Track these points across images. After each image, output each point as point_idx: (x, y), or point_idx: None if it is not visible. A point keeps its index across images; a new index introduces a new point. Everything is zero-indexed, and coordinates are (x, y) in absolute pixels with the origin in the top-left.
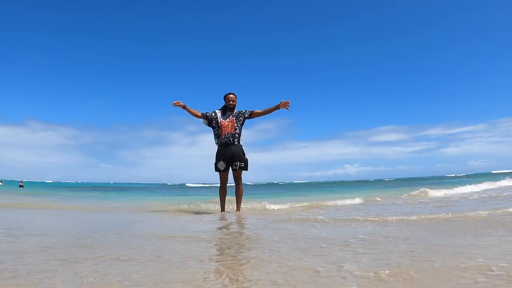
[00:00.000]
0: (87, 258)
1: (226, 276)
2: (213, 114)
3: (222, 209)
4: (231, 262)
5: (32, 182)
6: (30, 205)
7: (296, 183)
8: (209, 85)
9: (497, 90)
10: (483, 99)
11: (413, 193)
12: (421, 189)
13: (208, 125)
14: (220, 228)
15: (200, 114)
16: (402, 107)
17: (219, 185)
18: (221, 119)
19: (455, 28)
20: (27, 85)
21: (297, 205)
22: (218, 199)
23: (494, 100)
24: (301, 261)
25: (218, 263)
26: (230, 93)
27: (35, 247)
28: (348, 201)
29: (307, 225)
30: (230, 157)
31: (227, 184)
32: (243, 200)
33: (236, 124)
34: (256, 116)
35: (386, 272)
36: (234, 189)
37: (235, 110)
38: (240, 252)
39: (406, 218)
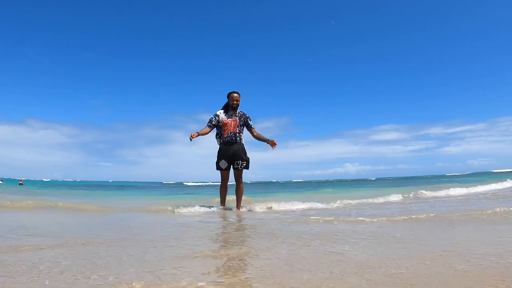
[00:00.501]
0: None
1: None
2: (216, 117)
3: (223, 203)
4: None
5: (32, 180)
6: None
7: (294, 182)
8: (209, 83)
9: (497, 89)
10: (483, 98)
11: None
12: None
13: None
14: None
15: (209, 130)
16: (402, 106)
17: (219, 183)
18: (224, 118)
19: (455, 27)
20: (27, 84)
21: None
22: (218, 199)
23: (494, 99)
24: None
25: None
26: (234, 92)
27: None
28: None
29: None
30: (232, 156)
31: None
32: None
33: (238, 124)
34: (252, 134)
35: None
36: (234, 188)
37: (238, 110)
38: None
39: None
